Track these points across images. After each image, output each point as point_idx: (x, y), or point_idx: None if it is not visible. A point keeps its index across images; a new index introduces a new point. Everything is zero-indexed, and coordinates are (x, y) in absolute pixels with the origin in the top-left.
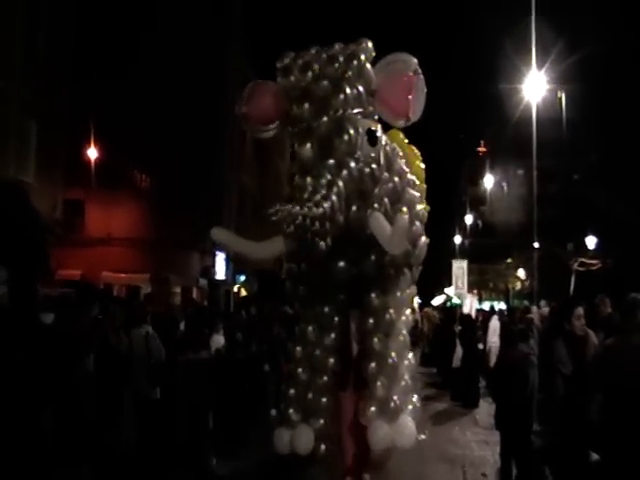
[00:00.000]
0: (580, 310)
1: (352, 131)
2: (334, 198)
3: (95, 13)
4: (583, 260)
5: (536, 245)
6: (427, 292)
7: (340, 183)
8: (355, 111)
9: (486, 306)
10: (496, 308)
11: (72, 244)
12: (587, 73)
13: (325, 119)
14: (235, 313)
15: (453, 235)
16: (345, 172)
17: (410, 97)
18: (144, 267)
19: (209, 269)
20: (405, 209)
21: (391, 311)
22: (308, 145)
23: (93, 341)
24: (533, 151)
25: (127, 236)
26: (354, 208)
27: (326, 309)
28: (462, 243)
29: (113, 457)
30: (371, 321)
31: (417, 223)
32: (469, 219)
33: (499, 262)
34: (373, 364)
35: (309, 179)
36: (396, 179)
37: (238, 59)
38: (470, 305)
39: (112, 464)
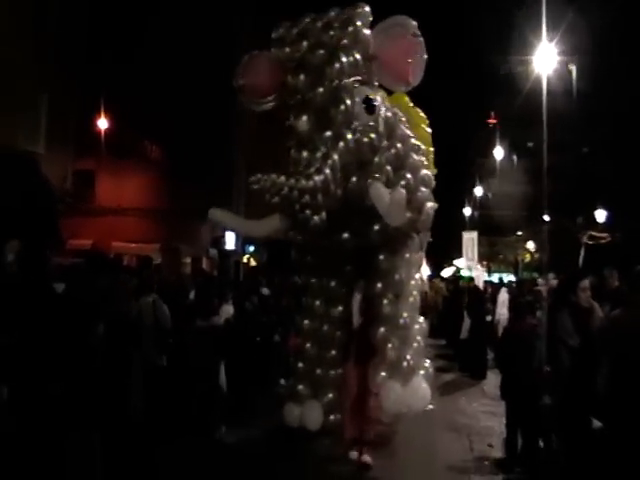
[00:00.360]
0: (586, 282)
1: (348, 101)
2: (327, 171)
3: None
4: (592, 233)
5: (546, 218)
6: (436, 264)
7: (335, 156)
8: (352, 79)
9: (495, 278)
10: (505, 280)
11: (83, 214)
12: (598, 44)
13: (321, 90)
14: (244, 283)
15: (463, 207)
16: (342, 144)
17: (410, 60)
18: (154, 237)
19: (219, 239)
20: (409, 175)
21: (401, 271)
22: (304, 117)
23: (103, 309)
24: (543, 124)
25: (137, 206)
26: (354, 179)
27: (333, 282)
28: (472, 215)
29: (121, 423)
30: (379, 285)
31: (422, 188)
32: (479, 191)
33: (509, 234)
34: (382, 328)
35: (305, 152)
36: (399, 145)
37: (251, 34)
38: (478, 277)
39: (120, 430)
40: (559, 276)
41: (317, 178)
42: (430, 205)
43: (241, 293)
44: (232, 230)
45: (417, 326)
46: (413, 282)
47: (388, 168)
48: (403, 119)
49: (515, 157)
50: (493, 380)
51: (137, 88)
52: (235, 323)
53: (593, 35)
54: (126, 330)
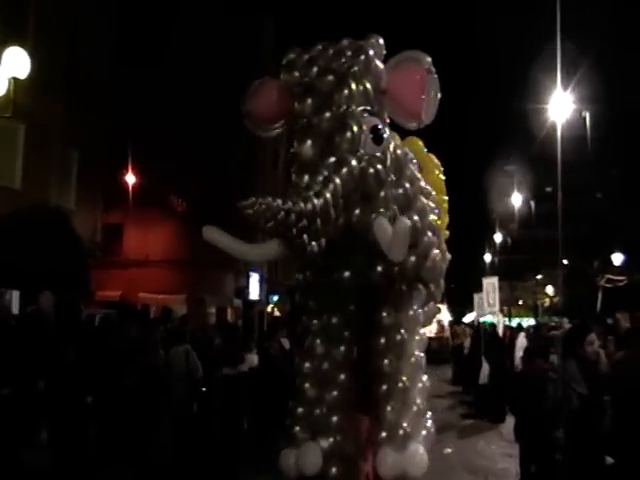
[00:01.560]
0: (592, 336)
1: (355, 128)
2: (328, 195)
3: (132, 40)
4: (610, 277)
5: (565, 262)
6: (458, 310)
7: (337, 181)
8: (360, 108)
9: (515, 323)
10: (525, 325)
11: (111, 266)
12: (611, 93)
13: (327, 115)
14: (267, 332)
15: (483, 253)
16: (345, 170)
17: (423, 97)
18: (180, 288)
19: (243, 290)
20: (416, 217)
21: (402, 331)
22: (308, 142)
23: (135, 357)
24: (558, 171)
25: (163, 258)
26: (357, 211)
27: (334, 320)
28: (492, 261)
29: (152, 464)
30: (382, 341)
31: (429, 234)
32: (498, 237)
33: (528, 279)
34: (384, 386)
35: (306, 177)
36: (407, 185)
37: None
38: (499, 322)
39: (150, 470)
40: (572, 321)
41: (316, 201)
42: (437, 252)
43: (264, 341)
44: (226, 250)
45: (419, 385)
46: (417, 338)
47: (394, 206)
48: (414, 161)
49: (533, 202)
50: (511, 424)
51: (163, 145)
52: (259, 370)
53: (606, 84)
54: (155, 378)
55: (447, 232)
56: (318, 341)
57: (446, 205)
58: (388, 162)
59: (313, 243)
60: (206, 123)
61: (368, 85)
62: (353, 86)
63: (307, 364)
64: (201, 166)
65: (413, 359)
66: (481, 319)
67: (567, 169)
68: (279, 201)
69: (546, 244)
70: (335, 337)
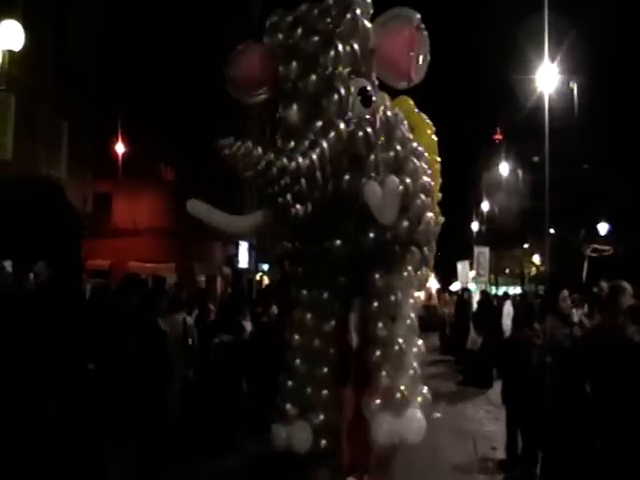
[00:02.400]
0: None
1: (342, 90)
2: (314, 157)
3: (120, 12)
4: (595, 246)
5: (551, 231)
6: (445, 278)
7: (325, 144)
8: (347, 70)
9: (501, 291)
10: (511, 293)
11: (100, 235)
12: (599, 63)
13: (313, 77)
14: (259, 300)
15: (470, 222)
16: (333, 134)
17: (412, 54)
18: (169, 257)
19: (233, 258)
20: (408, 180)
21: (397, 292)
22: (294, 107)
23: (136, 324)
24: (545, 142)
25: (152, 227)
26: (347, 177)
27: (325, 294)
28: (479, 230)
29: (159, 426)
30: (375, 304)
31: (422, 196)
32: (486, 206)
33: (515, 248)
34: (378, 352)
35: (292, 142)
36: (398, 147)
37: None
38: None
39: (154, 435)
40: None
41: (301, 160)
42: (430, 215)
43: (255, 310)
44: (211, 223)
45: (415, 350)
46: (412, 301)
47: (383, 169)
48: (405, 122)
49: (520, 172)
50: (498, 389)
51: (152, 113)
52: (254, 339)
53: (594, 54)
54: (159, 344)
55: (440, 194)
56: (308, 315)
57: (438, 166)
58: (377, 124)
59: (298, 206)
60: (195, 92)
61: (355, 45)
62: (339, 47)
63: (296, 337)
64: (190, 135)
65: (409, 321)
66: (469, 287)
67: (554, 139)
68: (260, 150)
69: (533, 213)
70: (325, 311)
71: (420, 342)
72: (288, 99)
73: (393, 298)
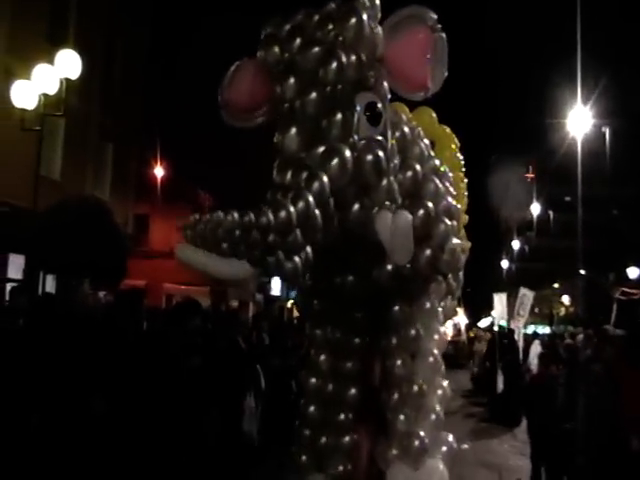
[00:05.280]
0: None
1: (346, 109)
2: (310, 198)
3: (166, 38)
4: (625, 289)
5: (581, 272)
6: (474, 314)
7: (325, 178)
8: (352, 84)
9: (530, 330)
10: (540, 332)
11: (136, 255)
12: (632, 108)
13: (313, 95)
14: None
15: (500, 260)
16: (335, 161)
17: (428, 58)
18: (203, 280)
19: (265, 285)
20: (429, 204)
21: (418, 326)
22: (292, 131)
23: (197, 345)
24: (578, 185)
25: None
26: (355, 207)
27: (338, 332)
28: (509, 268)
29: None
30: (394, 340)
31: (446, 220)
32: (516, 244)
33: (544, 287)
34: (395, 392)
35: (289, 175)
36: (416, 166)
37: None
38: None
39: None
40: (586, 330)
41: (292, 209)
42: (456, 242)
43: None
44: (206, 272)
45: (439, 392)
46: (436, 336)
47: (398, 195)
48: (424, 137)
49: (552, 212)
50: (524, 426)
51: (193, 138)
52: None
53: (627, 100)
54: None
55: (466, 217)
56: (323, 356)
57: (464, 185)
58: (389, 144)
59: (295, 259)
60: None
61: (362, 55)
62: (343, 58)
63: (312, 380)
64: (230, 161)
65: (431, 358)
66: (500, 323)
67: (586, 182)
68: (235, 215)
69: (563, 254)
70: (342, 350)
71: (445, 383)
72: (284, 122)
73: (413, 332)
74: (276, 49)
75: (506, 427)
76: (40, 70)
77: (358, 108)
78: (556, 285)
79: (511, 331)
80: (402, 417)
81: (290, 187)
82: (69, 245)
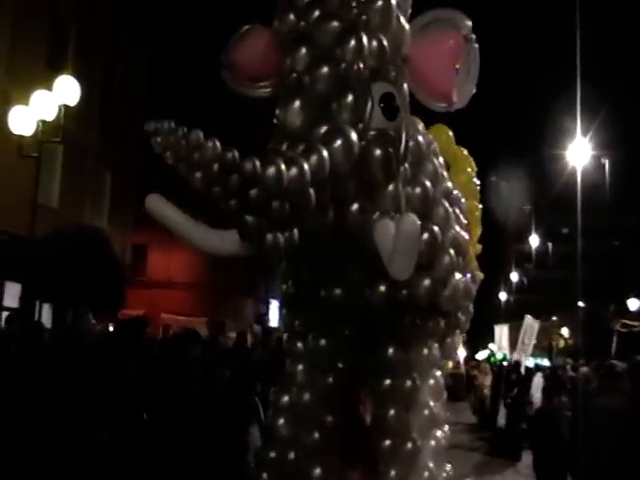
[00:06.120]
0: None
1: (360, 92)
2: (305, 166)
3: (164, 64)
4: (625, 321)
5: (580, 304)
6: (472, 346)
7: (325, 153)
8: (370, 69)
9: (530, 362)
10: (540, 365)
11: (135, 285)
12: (631, 139)
13: (324, 71)
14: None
15: (498, 291)
16: (339, 142)
17: (456, 68)
18: (201, 311)
19: (263, 316)
20: (436, 229)
21: (414, 375)
22: (296, 106)
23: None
24: (577, 216)
25: (186, 281)
26: (354, 207)
27: (322, 342)
28: (507, 299)
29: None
30: (387, 384)
31: (452, 252)
32: (514, 276)
33: (543, 319)
34: (387, 441)
35: (284, 144)
36: (427, 183)
37: None
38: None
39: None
40: (590, 363)
41: (284, 167)
42: (459, 278)
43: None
44: (176, 232)
45: (432, 443)
46: (432, 383)
47: (404, 208)
48: (439, 156)
49: (550, 244)
50: (527, 461)
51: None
52: None
53: (626, 131)
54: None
55: (479, 246)
56: (300, 367)
57: (479, 214)
58: (402, 146)
59: (277, 233)
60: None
61: (384, 41)
62: (364, 39)
63: (286, 398)
64: None
65: (426, 411)
66: (498, 354)
67: (585, 213)
68: (217, 144)
69: (561, 285)
70: (322, 364)
71: (440, 434)
72: (289, 96)
73: (409, 383)
74: (291, 16)
75: (508, 461)
76: (38, 96)
77: (374, 95)
78: (554, 317)
79: (517, 364)
80: (393, 473)
81: (285, 154)
82: (66, 273)
